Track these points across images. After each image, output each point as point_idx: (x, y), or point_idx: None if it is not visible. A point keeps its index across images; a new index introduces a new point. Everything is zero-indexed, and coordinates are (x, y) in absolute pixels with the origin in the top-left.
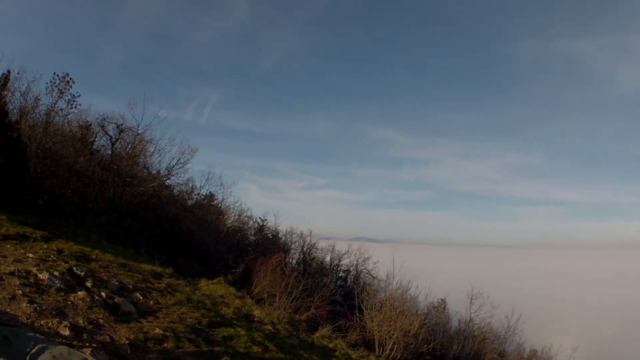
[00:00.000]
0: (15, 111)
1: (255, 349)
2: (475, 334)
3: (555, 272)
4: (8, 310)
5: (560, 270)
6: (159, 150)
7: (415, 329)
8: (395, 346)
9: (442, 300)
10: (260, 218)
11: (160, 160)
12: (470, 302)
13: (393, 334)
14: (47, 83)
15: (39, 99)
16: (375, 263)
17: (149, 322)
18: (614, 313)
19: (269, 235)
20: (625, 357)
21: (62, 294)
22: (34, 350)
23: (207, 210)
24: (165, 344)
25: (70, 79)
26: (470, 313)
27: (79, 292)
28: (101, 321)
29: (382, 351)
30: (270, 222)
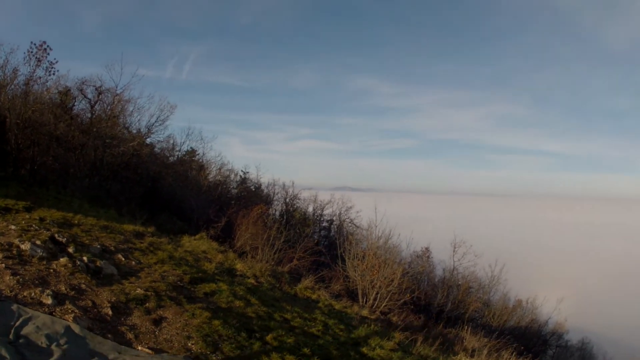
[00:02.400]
0: None
1: (238, 303)
2: (459, 283)
3: (540, 222)
4: None
5: (545, 220)
6: (138, 109)
7: (398, 277)
8: (379, 296)
9: (425, 249)
10: (242, 171)
11: (139, 119)
12: (454, 251)
13: (376, 284)
14: (24, 53)
15: (17, 70)
16: (358, 212)
17: (130, 283)
18: (599, 264)
19: (252, 187)
20: (611, 308)
21: (45, 262)
22: (17, 323)
23: (188, 166)
24: (147, 304)
25: (48, 46)
26: (454, 262)
27: (61, 259)
28: (83, 286)
29: (366, 301)
30: (252, 175)
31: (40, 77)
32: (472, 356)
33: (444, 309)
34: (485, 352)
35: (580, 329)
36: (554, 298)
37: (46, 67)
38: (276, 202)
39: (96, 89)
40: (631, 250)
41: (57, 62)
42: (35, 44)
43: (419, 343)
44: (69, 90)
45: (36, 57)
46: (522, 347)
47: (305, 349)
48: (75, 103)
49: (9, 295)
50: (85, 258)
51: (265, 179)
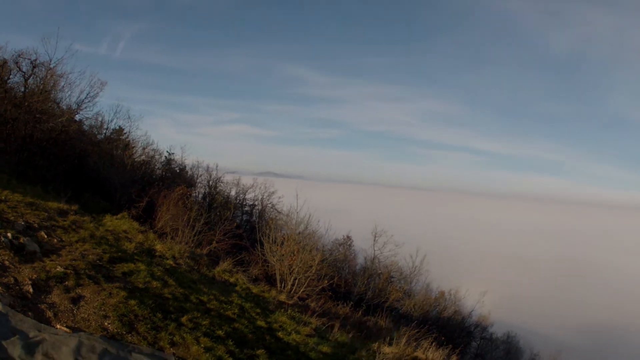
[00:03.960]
0: None
1: (155, 284)
2: (380, 272)
3: (467, 218)
4: None
5: (473, 216)
6: (69, 84)
7: (317, 263)
8: (297, 281)
9: (347, 237)
10: (167, 152)
11: (70, 95)
12: (374, 240)
13: (294, 269)
14: None
15: None
16: (280, 198)
17: (51, 260)
18: (525, 262)
19: (176, 169)
20: (534, 304)
21: None
22: None
23: (114, 145)
24: (66, 282)
25: None
26: (375, 251)
27: None
28: (6, 263)
29: (284, 286)
30: (177, 156)
31: None
32: (390, 344)
33: (364, 297)
34: (403, 340)
35: (505, 322)
36: (477, 291)
37: None
38: (199, 184)
39: (31, 62)
40: (556, 249)
41: None
42: None
43: (336, 329)
44: (6, 62)
45: None
46: (443, 338)
47: (220, 332)
48: (10, 76)
49: None
50: (9, 234)
51: (190, 160)
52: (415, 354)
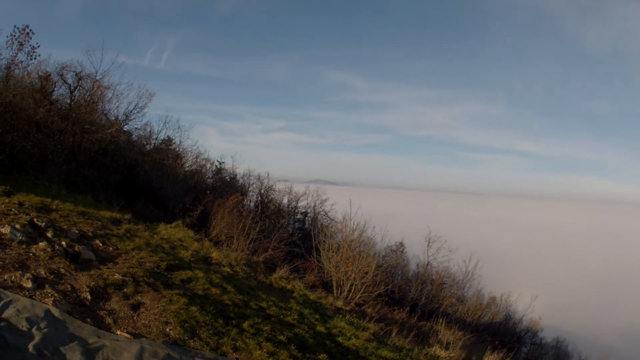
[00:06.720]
0: None
1: (214, 290)
2: (433, 278)
3: (514, 222)
4: None
5: (518, 219)
6: (117, 95)
7: (373, 270)
8: (353, 287)
9: (399, 243)
10: (218, 161)
11: (118, 106)
12: (428, 246)
13: (350, 275)
14: (7, 37)
15: None
16: (332, 205)
17: (108, 268)
18: (572, 265)
19: (227, 178)
20: (583, 307)
21: (24, 246)
22: None
23: (165, 155)
24: (125, 289)
25: (30, 30)
26: (428, 256)
27: (40, 243)
28: (62, 270)
29: (340, 292)
30: (228, 165)
31: (22, 62)
32: (446, 349)
33: (418, 303)
34: (459, 345)
35: (555, 327)
36: (527, 296)
37: (28, 51)
38: (251, 192)
39: (76, 74)
40: (603, 251)
41: (38, 46)
42: (18, 28)
43: (393, 334)
44: (50, 75)
45: (19, 41)
46: (497, 342)
47: (282, 337)
48: (55, 88)
49: None
50: (64, 243)
51: (240, 169)
52: (472, 358)
